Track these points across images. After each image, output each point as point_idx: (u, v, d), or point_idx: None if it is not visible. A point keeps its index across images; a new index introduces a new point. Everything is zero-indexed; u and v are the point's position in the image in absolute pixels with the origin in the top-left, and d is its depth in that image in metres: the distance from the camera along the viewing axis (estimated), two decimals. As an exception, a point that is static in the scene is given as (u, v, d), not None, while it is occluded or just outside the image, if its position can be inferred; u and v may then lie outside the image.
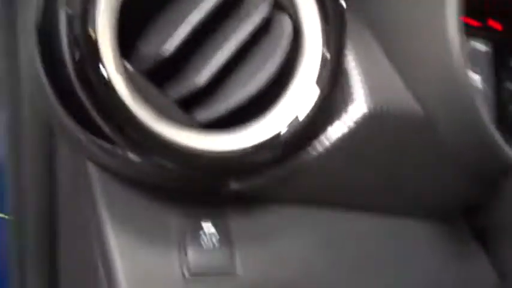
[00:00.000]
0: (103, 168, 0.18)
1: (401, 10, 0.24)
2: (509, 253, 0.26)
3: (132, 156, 0.15)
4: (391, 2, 0.25)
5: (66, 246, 0.23)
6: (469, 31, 0.39)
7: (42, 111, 0.21)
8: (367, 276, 0.22)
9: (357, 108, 0.21)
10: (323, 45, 0.16)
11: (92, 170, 0.19)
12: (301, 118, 0.17)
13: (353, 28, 0.23)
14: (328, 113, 0.18)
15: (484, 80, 0.43)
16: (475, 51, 0.42)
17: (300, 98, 0.17)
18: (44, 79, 0.16)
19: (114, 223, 0.18)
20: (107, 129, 0.15)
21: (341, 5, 0.17)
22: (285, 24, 0.17)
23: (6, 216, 0.35)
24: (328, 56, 0.16)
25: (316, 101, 0.17)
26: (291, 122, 0.17)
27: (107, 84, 0.14)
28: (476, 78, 0.42)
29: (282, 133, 0.17)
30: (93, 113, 0.15)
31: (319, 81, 0.17)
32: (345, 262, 0.21)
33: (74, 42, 0.14)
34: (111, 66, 0.14)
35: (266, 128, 0.17)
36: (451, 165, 0.22)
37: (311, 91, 0.16)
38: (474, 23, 0.40)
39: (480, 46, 0.43)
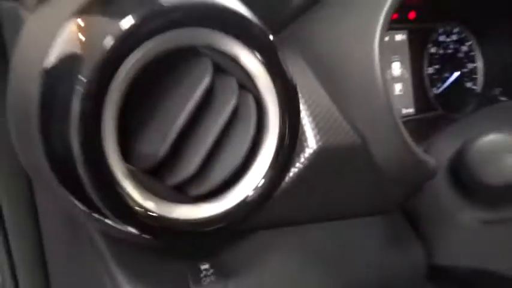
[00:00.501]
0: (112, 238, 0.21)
1: (331, 44, 0.28)
2: (435, 238, 0.33)
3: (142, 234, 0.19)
4: (322, 38, 0.28)
5: None
6: (390, 25, 0.44)
7: None
8: (333, 268, 0.28)
9: (308, 148, 0.25)
10: (282, 123, 0.20)
11: (101, 239, 0.22)
12: (264, 184, 0.20)
13: (297, 68, 0.27)
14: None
15: (403, 66, 0.49)
16: (393, 41, 0.48)
17: (263, 168, 0.21)
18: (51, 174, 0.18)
19: (126, 275, 0.22)
20: (118, 219, 0.18)
21: (293, 85, 0.20)
22: (251, 105, 0.20)
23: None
24: (287, 132, 0.20)
25: (278, 168, 0.21)
26: (257, 188, 0.21)
27: (118, 186, 0.17)
28: (395, 65, 0.49)
29: (249, 197, 0.21)
30: (103, 208, 0.18)
31: (283, 159, 0.20)
32: (320, 263, 0.26)
33: (85, 150, 0.16)
34: (118, 169, 0.17)
35: (237, 195, 0.20)
36: (387, 178, 0.27)
37: (274, 163, 0.20)
38: (394, 15, 0.45)
39: (398, 36, 0.49)
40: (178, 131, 0.18)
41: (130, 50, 0.16)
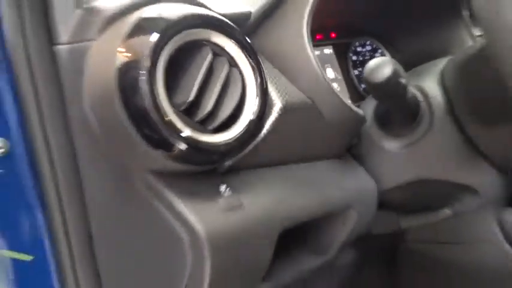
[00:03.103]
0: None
1: (279, 42, 0.42)
2: (374, 167, 0.46)
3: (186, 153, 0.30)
4: (274, 39, 0.42)
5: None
6: (317, 42, 0.60)
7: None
8: (307, 190, 0.39)
9: (276, 106, 0.38)
10: (257, 87, 0.33)
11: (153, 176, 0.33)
12: (251, 125, 0.32)
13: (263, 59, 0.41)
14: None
15: (335, 71, 0.65)
16: (323, 54, 0.64)
17: (250, 113, 0.33)
18: (125, 118, 0.30)
19: (177, 197, 0.33)
20: (175, 141, 0.29)
21: (260, 62, 0.34)
22: (236, 73, 0.33)
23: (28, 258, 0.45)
24: (260, 90, 0.33)
25: (258, 112, 0.33)
26: (247, 127, 0.33)
27: (167, 118, 0.29)
28: (329, 70, 0.64)
29: (242, 132, 0.33)
30: (164, 133, 0.29)
31: (261, 104, 0.33)
32: (298, 187, 0.38)
33: (149, 94, 0.28)
34: (167, 108, 0.29)
35: (235, 131, 0.33)
36: (334, 130, 0.41)
37: (256, 110, 0.33)
38: (320, 36, 0.62)
39: (325, 50, 0.65)
40: (198, 86, 0.30)
41: (168, 40, 0.29)
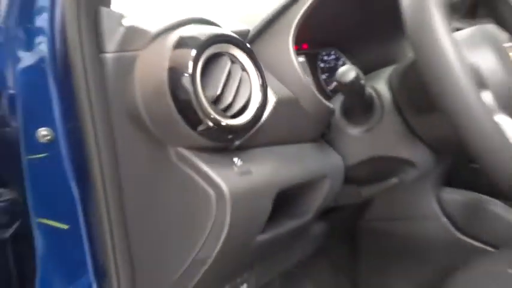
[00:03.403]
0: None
1: (270, 54, 0.55)
2: (340, 148, 0.61)
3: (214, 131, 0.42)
4: (267, 52, 0.55)
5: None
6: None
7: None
8: (293, 163, 0.53)
9: (272, 100, 0.51)
10: (260, 86, 0.46)
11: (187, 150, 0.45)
12: (256, 113, 0.45)
13: None
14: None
15: (308, 75, 0.79)
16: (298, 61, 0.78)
17: (256, 104, 0.46)
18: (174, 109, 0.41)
19: (203, 163, 0.45)
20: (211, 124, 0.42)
21: (261, 67, 0.47)
22: (246, 76, 0.45)
23: (65, 227, 0.55)
24: (262, 88, 0.46)
25: (261, 103, 0.46)
26: (253, 114, 0.46)
27: (204, 106, 0.41)
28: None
29: (250, 118, 0.46)
30: (200, 116, 0.41)
31: (263, 98, 0.46)
32: (289, 160, 0.52)
33: (192, 88, 0.40)
34: (204, 101, 0.41)
35: (246, 117, 0.45)
36: (312, 119, 0.55)
37: (259, 103, 0.46)
38: (295, 47, 0.76)
39: (300, 58, 0.79)
40: (222, 85, 0.43)
41: (202, 53, 0.42)
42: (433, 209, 0.92)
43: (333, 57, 0.79)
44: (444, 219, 0.92)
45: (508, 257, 0.63)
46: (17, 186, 0.59)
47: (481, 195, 0.92)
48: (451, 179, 0.98)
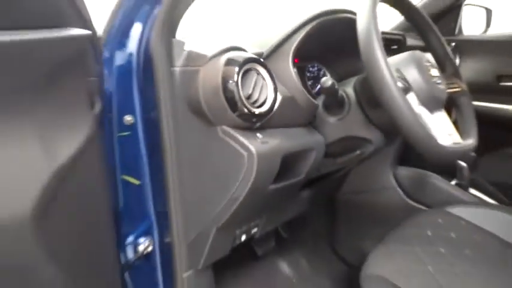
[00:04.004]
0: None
1: (277, 68, 0.84)
2: (320, 131, 0.91)
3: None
4: (274, 66, 0.84)
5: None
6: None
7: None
8: (285, 138, 0.82)
9: (279, 98, 0.79)
10: (273, 90, 0.74)
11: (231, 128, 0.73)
12: (271, 106, 0.72)
13: None
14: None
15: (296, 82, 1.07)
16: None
17: (271, 100, 0.74)
18: (225, 102, 0.68)
19: (240, 136, 0.72)
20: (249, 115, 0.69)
21: (274, 79, 0.75)
22: (264, 83, 0.74)
23: (137, 182, 0.82)
24: (274, 91, 0.74)
25: (274, 99, 0.74)
26: (270, 106, 0.74)
27: (243, 99, 0.68)
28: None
29: (267, 108, 0.74)
30: (240, 106, 0.68)
31: (274, 97, 0.74)
32: (284, 135, 0.80)
33: (236, 88, 0.67)
34: (243, 98, 0.69)
35: (265, 108, 0.73)
36: (303, 111, 0.83)
37: (272, 99, 0.74)
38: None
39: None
40: (252, 89, 0.71)
41: (241, 69, 0.70)
42: (391, 182, 1.23)
43: (316, 68, 1.08)
44: (399, 190, 1.23)
45: (435, 212, 0.93)
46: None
47: (424, 171, 1.23)
48: (403, 161, 1.29)
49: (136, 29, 0.73)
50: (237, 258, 0.97)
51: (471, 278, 0.74)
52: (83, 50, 0.56)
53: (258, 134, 0.74)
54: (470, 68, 1.37)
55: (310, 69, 1.03)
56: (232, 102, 0.68)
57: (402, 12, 0.88)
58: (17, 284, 0.58)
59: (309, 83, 1.04)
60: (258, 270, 1.30)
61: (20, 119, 0.51)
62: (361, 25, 0.72)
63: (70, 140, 0.58)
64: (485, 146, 1.29)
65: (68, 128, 0.57)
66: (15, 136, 0.52)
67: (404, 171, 1.23)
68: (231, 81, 0.67)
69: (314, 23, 0.85)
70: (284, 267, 1.36)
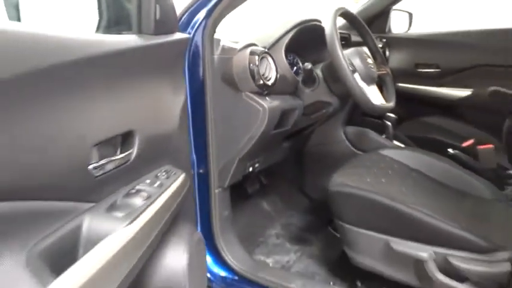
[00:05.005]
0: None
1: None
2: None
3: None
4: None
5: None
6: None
7: None
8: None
9: (278, 75, 1.27)
10: (275, 69, 1.21)
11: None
12: (274, 80, 1.21)
13: None
14: None
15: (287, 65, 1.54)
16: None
17: (274, 77, 1.20)
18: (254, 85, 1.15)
19: (258, 98, 1.19)
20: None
21: (276, 64, 1.23)
22: (273, 67, 1.20)
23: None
24: (276, 70, 1.21)
25: (276, 76, 1.22)
26: (273, 81, 1.21)
27: (260, 76, 1.15)
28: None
29: (272, 82, 1.21)
30: (257, 80, 1.15)
31: (276, 74, 1.22)
32: (281, 98, 1.29)
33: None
34: (261, 76, 1.15)
35: (271, 81, 1.21)
36: (291, 84, 1.33)
37: (275, 76, 1.21)
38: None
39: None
40: (264, 68, 1.18)
41: (260, 57, 1.17)
42: (342, 137, 1.76)
43: (291, 57, 1.56)
44: (347, 142, 1.77)
45: (371, 154, 1.46)
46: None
47: (364, 128, 1.77)
48: (350, 122, 1.83)
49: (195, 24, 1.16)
50: (234, 197, 1.38)
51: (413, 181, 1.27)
52: (184, 48, 1.00)
53: (267, 98, 1.22)
54: (396, 58, 1.93)
55: (289, 58, 1.53)
56: (253, 76, 1.15)
57: (349, 21, 1.40)
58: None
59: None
60: (247, 206, 1.79)
61: (159, 81, 0.93)
62: (327, 31, 1.21)
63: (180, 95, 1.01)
64: (405, 113, 1.89)
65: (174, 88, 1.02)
66: (161, 88, 0.93)
67: (351, 129, 1.77)
68: (252, 65, 1.14)
69: (296, 29, 1.34)
70: (265, 205, 1.86)
